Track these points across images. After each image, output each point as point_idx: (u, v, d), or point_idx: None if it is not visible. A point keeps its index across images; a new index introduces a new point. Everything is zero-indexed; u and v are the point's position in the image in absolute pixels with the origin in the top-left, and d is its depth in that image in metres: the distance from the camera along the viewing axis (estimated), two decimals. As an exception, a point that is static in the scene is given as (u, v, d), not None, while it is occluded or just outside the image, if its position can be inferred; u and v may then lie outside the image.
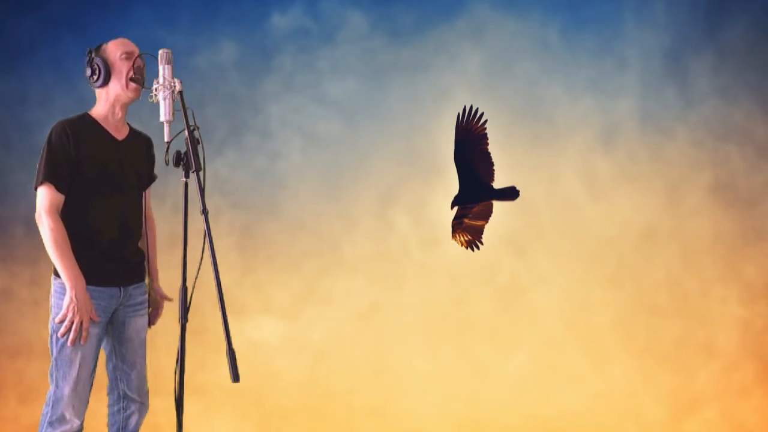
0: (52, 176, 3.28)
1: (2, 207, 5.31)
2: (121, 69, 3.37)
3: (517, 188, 3.87)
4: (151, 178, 3.61)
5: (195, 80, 5.14)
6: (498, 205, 3.91)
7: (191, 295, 3.13)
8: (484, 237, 3.93)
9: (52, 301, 3.34)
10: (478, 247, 3.93)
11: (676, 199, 5.30)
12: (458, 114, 3.79)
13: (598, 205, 5.29)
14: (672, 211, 5.29)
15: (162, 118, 3.22)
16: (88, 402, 3.36)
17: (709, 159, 5.29)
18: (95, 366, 3.36)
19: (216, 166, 5.28)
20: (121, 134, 3.44)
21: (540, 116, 5.34)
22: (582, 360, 5.29)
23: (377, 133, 5.40)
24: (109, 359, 3.47)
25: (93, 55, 3.39)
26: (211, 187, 4.98)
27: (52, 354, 3.32)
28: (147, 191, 3.58)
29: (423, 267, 5.35)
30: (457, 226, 3.91)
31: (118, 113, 3.42)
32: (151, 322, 3.58)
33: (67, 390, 3.29)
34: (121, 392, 3.46)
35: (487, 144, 3.84)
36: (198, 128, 3.17)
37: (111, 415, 3.49)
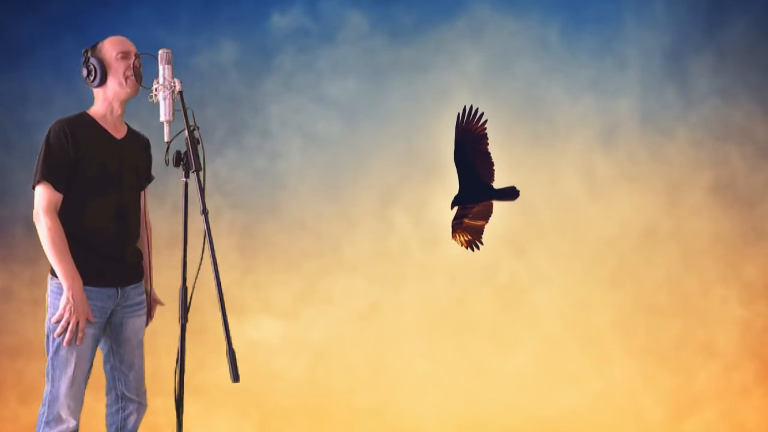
0: (50, 175, 3.26)
1: (2, 207, 5.31)
2: (118, 68, 3.36)
3: (517, 188, 3.86)
4: (149, 179, 3.60)
5: (195, 80, 5.14)
6: (498, 205, 3.91)
7: (191, 295, 3.13)
8: (484, 237, 3.93)
9: (49, 300, 3.32)
10: (478, 247, 3.93)
11: (676, 199, 5.30)
12: (458, 114, 3.79)
13: (598, 205, 5.29)
14: (672, 211, 5.29)
15: (162, 118, 3.22)
16: (83, 402, 3.35)
17: (709, 159, 5.28)
18: (91, 366, 3.35)
19: (216, 166, 5.28)
20: (119, 133, 3.44)
21: (540, 116, 5.33)
22: (582, 360, 5.29)
23: (377, 133, 5.40)
24: (106, 360, 3.46)
25: (89, 54, 3.38)
26: (211, 187, 4.98)
27: (48, 354, 3.30)
28: (144, 192, 3.56)
29: (423, 267, 5.35)
30: (457, 226, 3.90)
31: (117, 110, 3.41)
32: None
33: (63, 390, 3.28)
34: (119, 392, 3.45)
35: (487, 144, 3.83)
36: (198, 128, 3.17)
37: (109, 415, 3.48)
